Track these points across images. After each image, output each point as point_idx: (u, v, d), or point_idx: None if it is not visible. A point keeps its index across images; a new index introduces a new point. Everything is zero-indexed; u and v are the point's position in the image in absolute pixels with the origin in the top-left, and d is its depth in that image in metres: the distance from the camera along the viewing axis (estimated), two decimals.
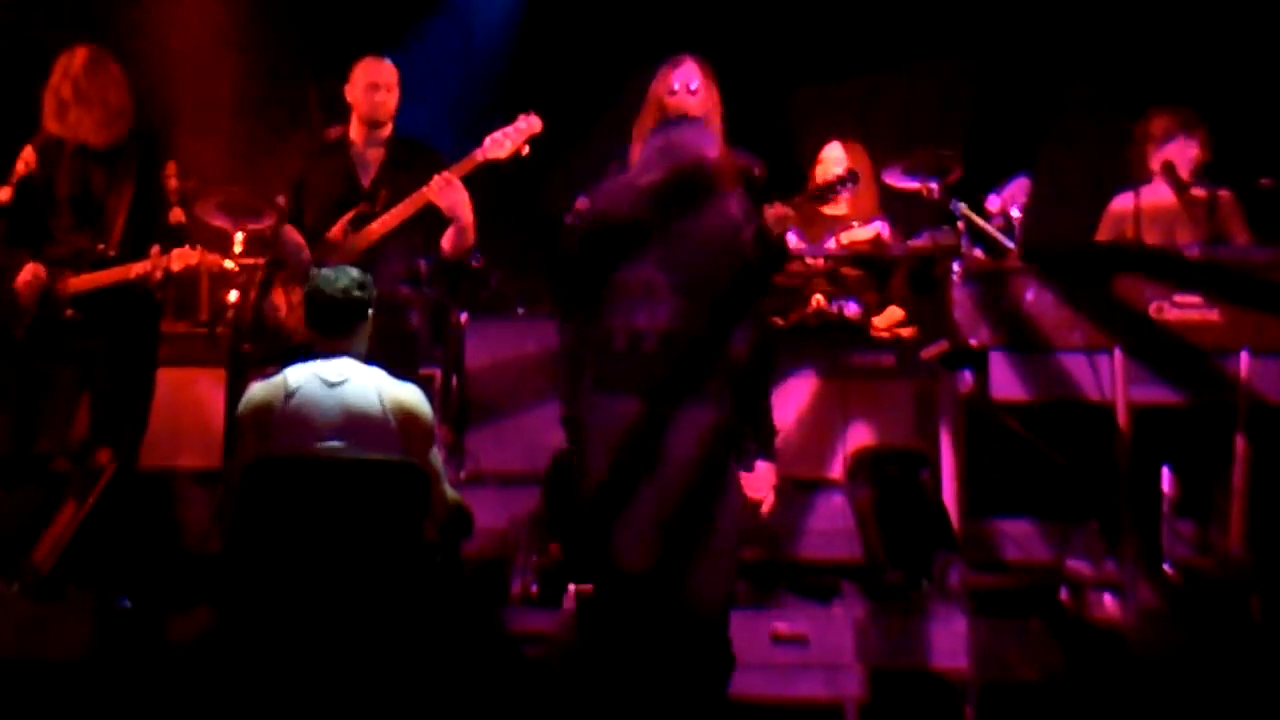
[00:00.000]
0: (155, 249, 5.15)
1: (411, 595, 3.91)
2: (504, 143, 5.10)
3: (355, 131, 5.31)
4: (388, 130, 5.30)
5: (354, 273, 4.22)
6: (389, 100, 5.28)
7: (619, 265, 4.00)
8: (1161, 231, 5.24)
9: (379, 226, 5.13)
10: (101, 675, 4.52)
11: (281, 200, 5.34)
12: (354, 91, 5.30)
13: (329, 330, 4.13)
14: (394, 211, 5.12)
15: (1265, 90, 6.45)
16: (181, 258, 5.14)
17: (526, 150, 5.12)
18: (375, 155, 5.28)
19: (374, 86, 5.26)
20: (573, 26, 7.31)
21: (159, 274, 5.15)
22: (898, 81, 7.08)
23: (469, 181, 5.12)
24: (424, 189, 5.06)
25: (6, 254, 5.23)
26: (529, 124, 5.12)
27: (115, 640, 4.63)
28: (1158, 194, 5.29)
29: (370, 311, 4.21)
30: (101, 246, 5.21)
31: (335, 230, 5.16)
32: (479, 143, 5.13)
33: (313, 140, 5.52)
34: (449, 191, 5.06)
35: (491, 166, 5.13)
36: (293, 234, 5.24)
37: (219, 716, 4.10)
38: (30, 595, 4.81)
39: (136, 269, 5.17)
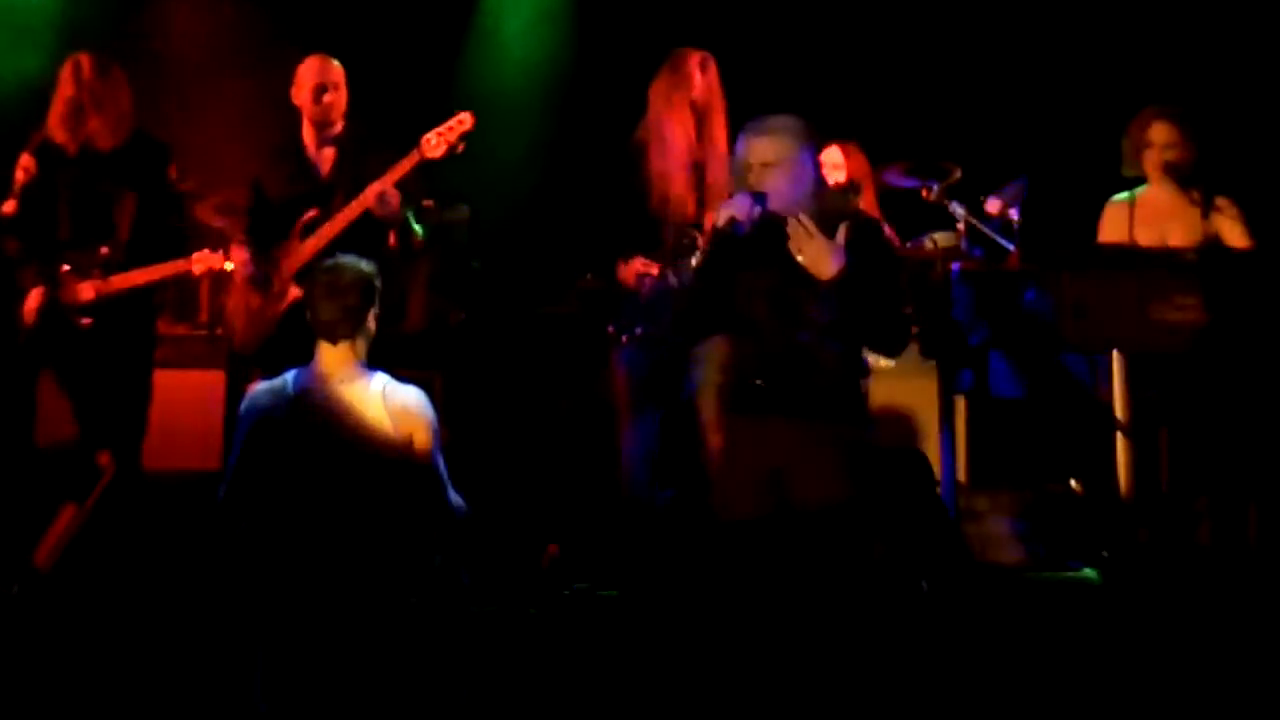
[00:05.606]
0: (199, 253, 5.14)
1: (411, 598, 3.92)
2: (440, 141, 5.02)
3: (306, 134, 5.22)
4: (338, 128, 5.21)
5: (356, 270, 4.10)
6: (338, 100, 5.18)
7: None
8: (1155, 233, 5.24)
9: (328, 229, 5.04)
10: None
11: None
12: (300, 94, 5.20)
13: (332, 332, 4.07)
14: (339, 216, 5.04)
15: (1264, 90, 6.45)
16: (205, 260, 5.13)
17: (462, 147, 5.05)
18: (328, 154, 5.20)
19: (321, 87, 5.16)
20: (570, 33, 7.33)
21: (198, 270, 5.13)
22: (896, 83, 7.07)
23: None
24: (361, 198, 4.99)
25: (17, 265, 5.20)
26: (462, 121, 5.04)
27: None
28: (1151, 196, 5.30)
29: (374, 311, 4.14)
30: (106, 250, 5.20)
31: (289, 239, 5.11)
32: (415, 143, 5.05)
33: (261, 145, 5.41)
34: (381, 206, 4.97)
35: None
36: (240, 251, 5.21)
37: (220, 717, 4.11)
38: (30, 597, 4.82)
39: (167, 269, 5.15)
